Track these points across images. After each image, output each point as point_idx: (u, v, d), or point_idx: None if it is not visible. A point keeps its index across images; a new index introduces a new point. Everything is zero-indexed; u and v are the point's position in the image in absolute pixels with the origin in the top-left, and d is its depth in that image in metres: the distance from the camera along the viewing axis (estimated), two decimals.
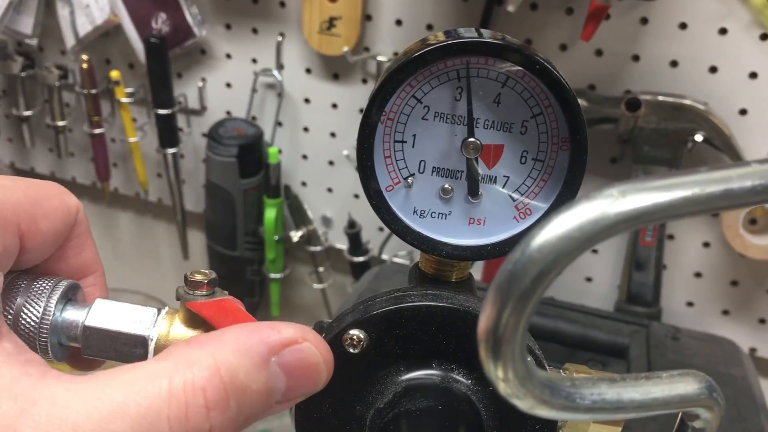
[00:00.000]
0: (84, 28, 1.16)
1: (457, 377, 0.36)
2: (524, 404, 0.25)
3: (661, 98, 0.94)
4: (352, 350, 0.36)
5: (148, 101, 1.22)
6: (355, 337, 0.36)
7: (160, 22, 1.14)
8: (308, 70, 1.13)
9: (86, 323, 0.40)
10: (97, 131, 1.22)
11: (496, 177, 0.36)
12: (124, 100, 1.19)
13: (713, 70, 0.95)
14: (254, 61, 1.16)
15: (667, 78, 0.97)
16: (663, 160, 0.97)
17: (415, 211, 0.37)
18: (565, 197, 0.35)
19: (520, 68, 0.33)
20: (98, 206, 1.40)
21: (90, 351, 0.40)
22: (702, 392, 0.28)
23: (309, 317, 1.32)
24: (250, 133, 1.14)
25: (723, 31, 0.93)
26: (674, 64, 0.96)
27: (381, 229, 1.19)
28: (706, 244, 1.03)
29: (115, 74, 1.17)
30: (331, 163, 1.18)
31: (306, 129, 1.17)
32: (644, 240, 1.01)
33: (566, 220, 0.22)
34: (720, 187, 0.23)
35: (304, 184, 1.21)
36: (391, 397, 0.36)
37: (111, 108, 1.24)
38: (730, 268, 1.03)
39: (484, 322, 0.23)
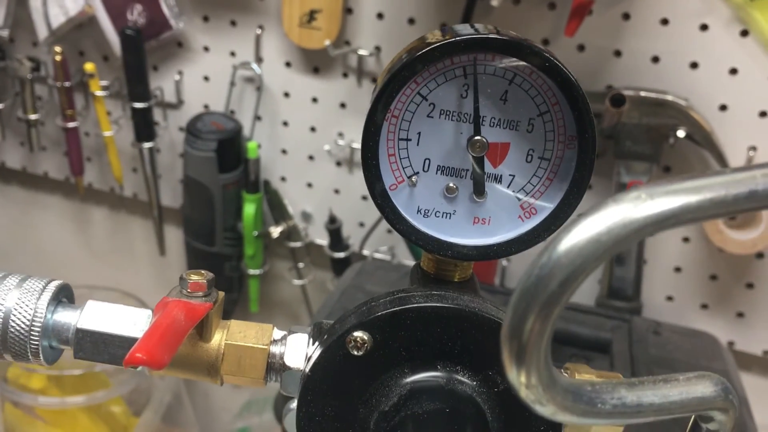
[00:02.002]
0: (57, 19, 1.13)
1: (463, 379, 0.36)
2: (546, 410, 0.24)
3: (643, 94, 0.94)
4: (355, 352, 0.35)
5: (123, 94, 1.20)
6: (358, 338, 0.35)
7: (136, 14, 1.12)
8: (288, 64, 1.12)
9: (79, 326, 0.39)
10: (71, 125, 1.20)
11: (501, 176, 0.35)
12: (98, 93, 1.16)
13: (694, 65, 0.95)
14: (233, 54, 1.14)
15: (648, 73, 0.97)
16: (644, 155, 0.97)
17: (419, 210, 0.36)
18: (572, 196, 0.34)
19: (527, 65, 0.33)
20: (72, 201, 1.38)
21: (83, 354, 0.39)
22: (718, 394, 0.28)
23: (288, 313, 1.31)
24: (229, 128, 1.13)
25: (704, 27, 0.93)
26: (656, 59, 0.96)
27: (361, 225, 1.18)
28: (686, 239, 1.04)
29: (89, 67, 1.14)
30: (311, 157, 1.17)
31: (285, 123, 1.16)
32: None
33: (593, 223, 0.21)
34: (745, 189, 0.23)
35: (283, 179, 1.19)
36: (396, 400, 0.35)
37: (85, 101, 1.22)
38: (709, 263, 1.04)
39: (508, 326, 0.22)
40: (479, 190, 0.35)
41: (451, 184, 0.35)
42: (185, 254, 1.23)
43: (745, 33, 0.92)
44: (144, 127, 1.16)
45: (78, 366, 1.10)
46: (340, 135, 1.13)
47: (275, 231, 1.17)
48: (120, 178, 1.24)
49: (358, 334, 0.35)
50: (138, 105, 1.14)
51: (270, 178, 1.19)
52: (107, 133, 1.19)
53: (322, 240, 1.19)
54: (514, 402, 0.36)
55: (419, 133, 0.35)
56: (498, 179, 0.35)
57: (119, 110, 1.23)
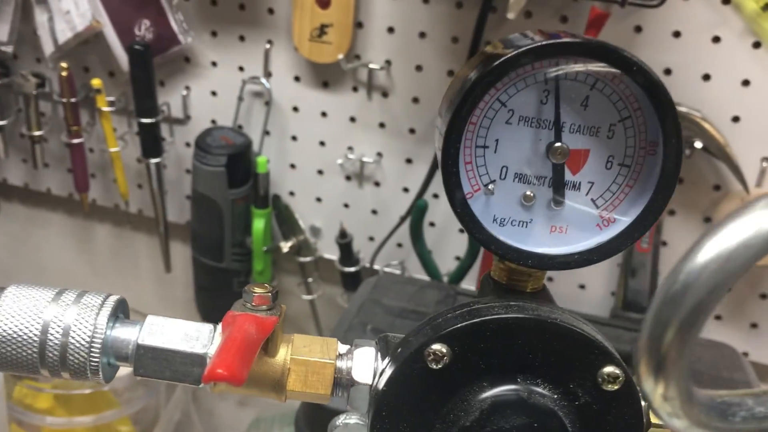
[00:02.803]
0: (64, 34, 1.12)
1: (544, 392, 0.35)
2: (681, 424, 0.23)
3: None
4: (434, 366, 0.34)
5: (129, 110, 1.18)
6: (437, 351, 0.34)
7: (144, 29, 1.11)
8: (297, 78, 1.11)
9: (140, 342, 0.37)
10: (76, 141, 1.18)
11: (580, 183, 0.35)
12: (105, 108, 1.15)
13: (706, 77, 0.96)
14: (241, 69, 1.13)
15: None
16: None
17: (495, 220, 0.35)
18: (656, 204, 0.34)
19: (610, 70, 0.32)
20: (75, 218, 1.36)
21: (143, 371, 0.38)
22: None
23: (297, 329, 1.30)
24: (239, 143, 1.12)
25: (716, 39, 0.94)
26: (668, 71, 0.97)
27: (371, 239, 1.17)
28: None
29: (96, 82, 1.13)
30: (320, 172, 1.16)
31: (294, 138, 1.15)
32: (641, 247, 1.02)
33: (744, 225, 0.21)
34: None
35: (292, 193, 1.18)
36: (478, 415, 0.34)
37: (90, 117, 1.20)
38: None
39: (648, 335, 0.22)
40: (559, 199, 0.34)
41: (528, 192, 0.35)
42: (192, 270, 1.21)
43: (757, 45, 0.92)
44: (151, 143, 1.15)
45: (85, 386, 1.08)
46: (350, 149, 1.13)
47: (285, 246, 1.16)
48: (126, 194, 1.22)
49: (436, 346, 0.34)
50: (145, 120, 1.12)
51: (279, 192, 1.18)
52: (113, 149, 1.18)
53: (331, 255, 1.18)
54: (594, 415, 0.36)
55: (497, 140, 0.34)
56: (576, 186, 0.35)
57: (125, 126, 1.21)
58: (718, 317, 1.06)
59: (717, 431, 0.24)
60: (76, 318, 0.37)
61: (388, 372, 0.35)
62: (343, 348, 0.39)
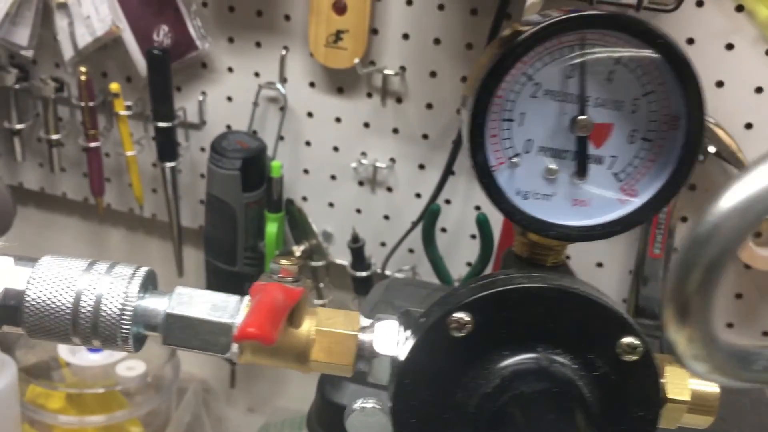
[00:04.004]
0: (84, 39, 1.14)
1: (563, 361, 0.35)
2: (702, 368, 0.24)
3: None
4: (456, 334, 0.35)
5: (146, 115, 1.20)
6: (460, 319, 0.35)
7: (162, 35, 1.13)
8: (312, 84, 1.13)
9: (169, 311, 0.38)
10: (93, 145, 1.20)
11: (603, 157, 0.36)
12: (122, 113, 1.16)
13: (720, 84, 0.96)
14: (257, 74, 1.15)
15: None
16: None
17: (518, 192, 0.36)
18: (678, 177, 0.35)
19: (639, 43, 0.33)
20: (89, 222, 1.37)
21: (171, 340, 0.38)
22: None
23: None
24: (254, 147, 1.13)
25: (730, 47, 0.95)
26: None
27: (383, 245, 1.18)
28: None
29: (114, 87, 1.15)
30: (333, 177, 1.17)
31: (308, 143, 1.16)
32: (653, 253, 1.02)
33: None
34: None
35: (305, 198, 1.19)
36: (500, 381, 0.35)
37: (107, 122, 1.22)
38: (735, 281, 1.04)
39: (675, 276, 0.22)
40: (582, 172, 0.35)
41: (551, 166, 0.36)
42: (205, 274, 1.22)
43: None
44: (167, 147, 1.16)
45: (98, 385, 1.08)
46: (363, 154, 1.14)
47: (297, 250, 1.16)
48: (140, 198, 1.24)
49: (459, 315, 0.35)
50: (162, 124, 1.14)
51: (293, 197, 1.19)
52: (130, 153, 1.19)
53: (343, 260, 1.19)
54: (612, 386, 0.36)
55: (522, 114, 0.35)
56: (600, 160, 0.36)
57: (141, 131, 1.23)
58: (730, 325, 1.06)
59: (737, 378, 0.24)
60: (109, 287, 0.37)
61: (412, 341, 0.36)
62: (365, 321, 0.40)
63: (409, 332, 0.37)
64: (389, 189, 1.15)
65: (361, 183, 1.15)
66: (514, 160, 0.36)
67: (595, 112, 0.35)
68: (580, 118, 0.34)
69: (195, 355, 0.39)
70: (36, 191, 1.34)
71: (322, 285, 1.22)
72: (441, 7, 1.04)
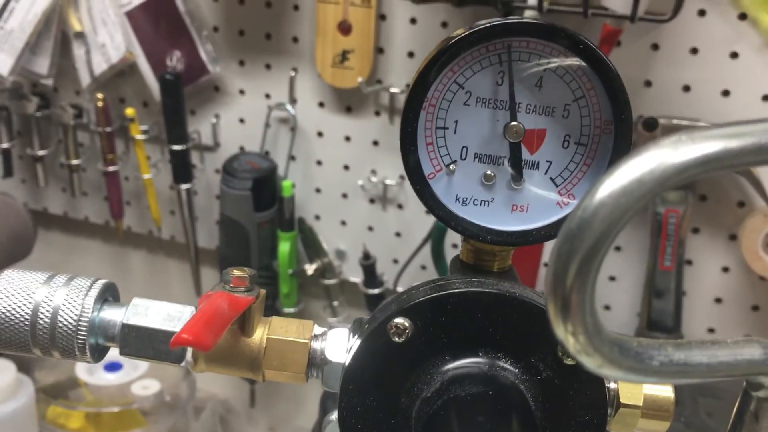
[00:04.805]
0: (100, 66, 1.17)
1: (505, 365, 0.36)
2: (593, 362, 0.24)
3: (675, 122, 0.95)
4: (396, 339, 0.36)
5: (162, 139, 1.23)
6: (400, 325, 0.35)
7: (175, 60, 1.16)
8: (321, 104, 1.14)
9: (124, 321, 0.39)
10: (112, 169, 1.23)
11: (538, 162, 0.36)
12: (138, 137, 1.19)
13: (726, 93, 0.95)
14: (267, 96, 1.17)
15: (680, 102, 0.97)
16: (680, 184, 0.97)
17: (457, 199, 0.37)
18: None
19: (561, 48, 0.34)
20: (111, 245, 1.40)
21: (128, 350, 0.39)
22: None
23: None
24: (264, 167, 1.15)
25: (734, 55, 0.94)
26: (687, 88, 0.97)
27: (395, 262, 1.18)
28: (726, 269, 1.02)
29: (130, 111, 1.18)
30: (344, 195, 1.18)
31: (319, 162, 1.18)
32: (664, 265, 1.01)
33: (636, 165, 0.22)
34: None
35: (317, 217, 1.21)
36: (438, 386, 0.35)
37: (125, 146, 1.25)
38: (751, 293, 1.02)
39: (552, 273, 0.23)
40: (517, 177, 0.36)
41: (488, 172, 0.36)
42: None
43: None
44: (182, 169, 1.19)
45: (114, 403, 1.10)
46: (373, 172, 1.15)
47: (310, 268, 1.18)
48: (158, 220, 1.26)
49: (399, 320, 0.35)
50: (176, 147, 1.16)
51: (305, 216, 1.20)
52: (146, 176, 1.22)
53: (356, 278, 1.19)
54: (557, 390, 0.36)
55: (456, 122, 0.36)
56: (535, 166, 0.36)
57: (158, 154, 1.25)
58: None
59: (632, 372, 0.24)
60: (65, 299, 0.39)
61: (355, 346, 0.37)
62: (319, 330, 0.40)
63: (355, 337, 0.38)
64: (400, 206, 1.15)
65: (372, 200, 1.16)
66: (451, 167, 0.36)
67: (528, 119, 0.35)
68: (511, 124, 0.35)
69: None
70: (59, 215, 1.38)
71: (336, 303, 1.22)
72: (444, 24, 1.05)
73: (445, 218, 0.36)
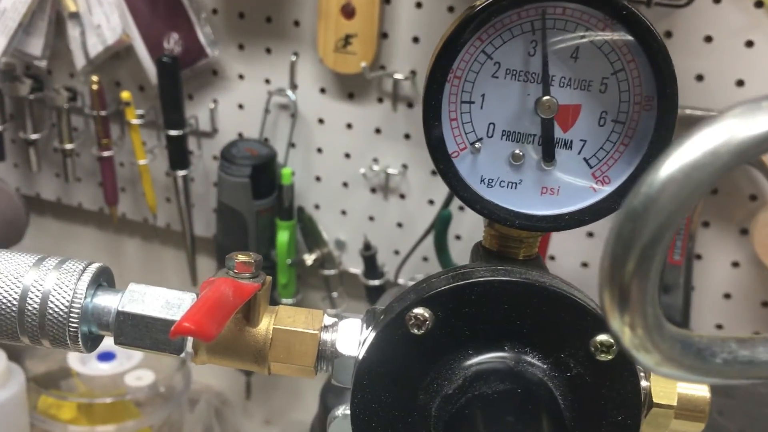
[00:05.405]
0: (95, 48, 1.14)
1: (533, 361, 0.33)
2: (651, 359, 0.21)
3: (688, 112, 0.92)
4: (415, 331, 0.33)
5: (159, 124, 1.20)
6: (419, 315, 0.33)
7: (172, 42, 1.13)
8: (322, 90, 1.11)
9: (120, 308, 0.36)
10: (106, 154, 1.20)
11: (572, 141, 0.33)
12: (134, 121, 1.16)
13: (740, 83, 0.93)
14: (267, 81, 1.14)
15: (693, 92, 0.94)
16: None
17: (482, 180, 0.34)
18: (651, 161, 0.32)
19: (601, 19, 0.31)
20: (105, 232, 1.37)
21: (123, 339, 0.36)
22: None
23: None
24: (263, 154, 1.12)
25: (749, 44, 0.91)
26: (700, 78, 0.94)
27: (396, 253, 1.15)
28: (736, 264, 1.00)
29: (125, 95, 1.15)
30: (345, 184, 1.15)
31: (320, 150, 1.15)
32: (673, 259, 0.98)
33: (711, 134, 0.19)
34: None
35: (317, 206, 1.18)
36: (461, 383, 0.32)
37: (120, 131, 1.22)
38: (761, 289, 1.00)
39: (610, 257, 0.20)
40: (548, 156, 0.33)
41: (517, 151, 0.33)
42: None
43: None
44: (178, 155, 1.16)
45: (107, 394, 1.08)
46: (375, 161, 1.12)
47: (309, 258, 1.15)
48: (154, 207, 1.23)
49: (418, 310, 0.33)
50: (173, 132, 1.13)
51: (304, 205, 1.17)
52: (142, 162, 1.19)
53: (356, 269, 1.17)
54: (588, 388, 0.33)
55: (483, 95, 0.33)
56: (568, 145, 0.33)
57: (154, 140, 1.22)
58: (756, 334, 1.01)
59: (693, 371, 0.22)
60: (56, 283, 0.36)
61: (370, 338, 0.34)
62: (329, 320, 0.38)
63: (370, 329, 0.35)
64: (402, 196, 1.13)
65: (373, 190, 1.14)
66: (477, 145, 0.33)
67: (561, 93, 0.32)
68: (544, 98, 0.32)
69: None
70: (53, 201, 1.35)
71: (335, 294, 1.20)
72: (451, 9, 1.02)
73: (469, 200, 0.33)
